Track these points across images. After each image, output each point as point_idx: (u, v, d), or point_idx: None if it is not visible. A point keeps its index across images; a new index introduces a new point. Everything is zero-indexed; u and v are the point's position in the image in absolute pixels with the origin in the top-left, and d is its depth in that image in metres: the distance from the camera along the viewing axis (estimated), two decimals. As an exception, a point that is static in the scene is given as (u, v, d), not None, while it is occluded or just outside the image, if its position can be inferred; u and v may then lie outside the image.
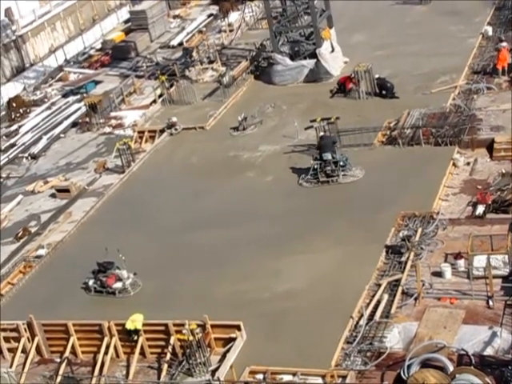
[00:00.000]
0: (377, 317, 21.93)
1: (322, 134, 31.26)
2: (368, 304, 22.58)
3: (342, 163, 29.79)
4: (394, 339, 21.16)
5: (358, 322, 21.94)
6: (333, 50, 40.10)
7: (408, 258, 24.14)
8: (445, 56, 38.50)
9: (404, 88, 36.21)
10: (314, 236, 26.29)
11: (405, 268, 23.70)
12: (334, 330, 21.67)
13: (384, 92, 35.96)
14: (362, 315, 22.05)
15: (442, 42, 40.40)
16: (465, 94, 34.45)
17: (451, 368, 19.25)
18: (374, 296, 22.85)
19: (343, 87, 36.97)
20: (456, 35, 41.17)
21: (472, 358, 19.74)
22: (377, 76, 36.27)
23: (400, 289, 22.85)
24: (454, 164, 29.31)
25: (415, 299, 22.40)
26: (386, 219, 26.18)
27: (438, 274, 23.07)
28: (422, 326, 21.31)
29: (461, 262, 23.18)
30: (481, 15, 43.02)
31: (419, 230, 25.27)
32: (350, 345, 21.15)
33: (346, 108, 35.32)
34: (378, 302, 22.53)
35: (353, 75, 36.45)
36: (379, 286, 23.23)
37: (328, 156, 29.78)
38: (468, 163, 29.41)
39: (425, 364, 19.60)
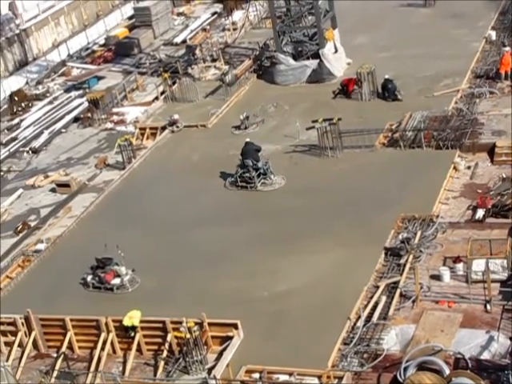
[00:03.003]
0: (374, 318, 21.94)
1: (247, 140, 31.45)
2: (366, 305, 22.58)
3: (262, 171, 30.08)
4: (391, 341, 21.17)
5: (355, 324, 21.96)
6: (336, 51, 40.08)
7: (407, 260, 24.15)
8: (448, 59, 38.47)
9: (406, 90, 36.17)
10: (314, 236, 26.28)
11: (403, 270, 23.71)
12: (331, 331, 21.69)
13: (386, 94, 35.92)
14: (359, 316, 22.06)
15: (446, 45, 40.36)
16: (467, 98, 34.45)
17: (447, 371, 19.25)
18: (372, 298, 22.86)
19: (346, 89, 36.96)
20: (460, 39, 41.15)
21: (469, 361, 19.76)
22: (386, 76, 36.11)
23: (398, 291, 22.86)
24: (454, 167, 29.31)
25: (413, 302, 22.41)
26: (385, 221, 26.18)
27: (437, 277, 23.07)
28: (419, 328, 21.31)
29: (459, 266, 23.18)
30: (485, 19, 43.00)
31: (419, 233, 25.27)
32: (347, 346, 21.16)
33: (348, 109, 35.29)
34: (376, 304, 22.54)
35: (357, 77, 36.40)
36: (377, 287, 23.24)
37: (248, 162, 30.20)
38: (469, 167, 29.42)
39: (421, 367, 19.60)
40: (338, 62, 39.84)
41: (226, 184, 30.94)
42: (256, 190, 30.06)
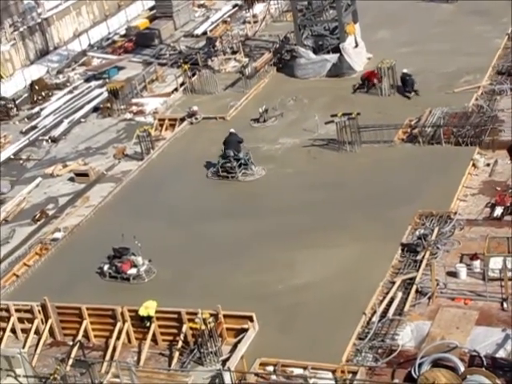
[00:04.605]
0: (390, 314, 21.91)
1: (231, 130, 31.94)
2: (381, 301, 22.56)
3: (243, 161, 30.57)
4: (406, 337, 21.14)
5: (370, 319, 21.94)
6: (356, 46, 39.94)
7: (423, 256, 24.08)
8: (469, 56, 38.25)
9: (427, 86, 36.00)
10: (331, 230, 26.27)
11: (420, 267, 23.65)
12: (346, 326, 21.68)
13: (405, 88, 35.76)
14: (374, 312, 22.03)
15: (467, 42, 40.14)
16: (488, 95, 34.22)
17: (462, 369, 19.21)
18: (387, 293, 22.83)
19: (367, 82, 36.81)
20: (482, 35, 40.88)
21: (484, 359, 19.69)
22: (404, 70, 35.96)
23: (414, 287, 22.81)
24: (473, 164, 29.15)
25: (429, 298, 22.35)
26: (403, 217, 26.11)
27: (453, 274, 23.00)
28: (434, 325, 21.27)
29: (476, 263, 23.09)
30: (507, 16, 42.49)
31: (436, 230, 25.18)
32: (362, 341, 21.15)
33: (368, 104, 35.15)
34: (392, 300, 22.51)
35: (376, 71, 36.37)
36: (393, 283, 23.20)
37: (230, 153, 30.79)
38: (488, 164, 29.24)
39: (436, 363, 19.56)
40: (358, 57, 39.70)
41: (208, 174, 31.33)
42: (237, 179, 30.64)
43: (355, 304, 22.45)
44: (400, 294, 22.68)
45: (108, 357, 22.63)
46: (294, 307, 22.99)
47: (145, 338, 22.84)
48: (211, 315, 21.75)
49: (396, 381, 19.55)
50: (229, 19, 52.87)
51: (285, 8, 49.95)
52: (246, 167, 30.99)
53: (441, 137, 30.82)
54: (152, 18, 54.42)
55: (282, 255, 25.46)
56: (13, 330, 24.33)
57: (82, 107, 42.40)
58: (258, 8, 52.39)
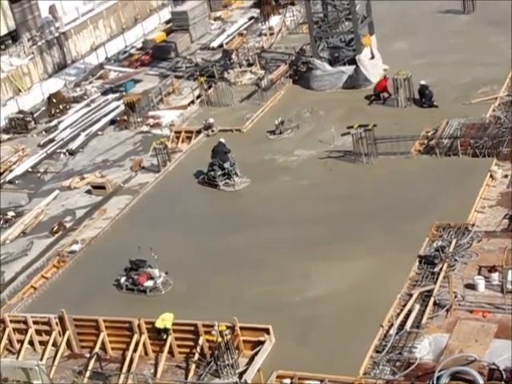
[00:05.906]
0: (407, 327, 21.79)
1: (220, 140, 32.53)
2: (399, 313, 22.43)
3: (226, 171, 31.18)
4: (424, 350, 21.01)
5: (388, 331, 21.83)
6: (373, 57, 39.93)
7: (441, 268, 23.95)
8: (486, 66, 38.11)
9: (444, 97, 35.90)
10: (347, 242, 26.21)
11: (437, 279, 23.52)
12: (363, 338, 21.59)
13: (423, 100, 35.71)
14: (392, 324, 21.92)
15: (484, 52, 39.98)
16: (505, 106, 34.07)
17: (481, 382, 19.05)
18: (405, 305, 22.71)
19: (380, 95, 36.82)
20: (498, 46, 40.69)
21: (503, 373, 19.50)
22: (422, 82, 35.93)
23: (432, 299, 22.68)
24: (491, 176, 29.00)
25: (447, 311, 22.22)
26: (420, 229, 25.99)
27: (471, 287, 22.85)
28: (453, 338, 21.12)
29: (495, 276, 22.93)
30: (525, 26, 42.54)
31: (453, 242, 25.04)
32: (379, 354, 21.03)
33: (384, 115, 35.07)
34: (409, 312, 22.39)
35: (386, 76, 36.36)
36: (411, 295, 23.08)
37: (215, 162, 31.53)
38: (506, 175, 29.08)
39: (454, 377, 19.42)
40: (374, 69, 39.65)
41: (198, 181, 32.16)
42: (219, 189, 31.34)
43: (372, 316, 22.36)
44: (417, 307, 22.56)
45: (125, 369, 22.65)
46: (311, 319, 22.92)
47: (161, 351, 22.85)
48: (228, 327, 21.73)
49: (414, 394, 19.43)
50: (245, 32, 53.08)
51: (300, 20, 50.06)
52: (229, 177, 31.40)
53: (458, 148, 30.70)
54: (168, 31, 54.71)
55: (298, 267, 25.42)
56: (31, 342, 24.44)
57: (99, 120, 42.69)
58: (274, 20, 52.56)
